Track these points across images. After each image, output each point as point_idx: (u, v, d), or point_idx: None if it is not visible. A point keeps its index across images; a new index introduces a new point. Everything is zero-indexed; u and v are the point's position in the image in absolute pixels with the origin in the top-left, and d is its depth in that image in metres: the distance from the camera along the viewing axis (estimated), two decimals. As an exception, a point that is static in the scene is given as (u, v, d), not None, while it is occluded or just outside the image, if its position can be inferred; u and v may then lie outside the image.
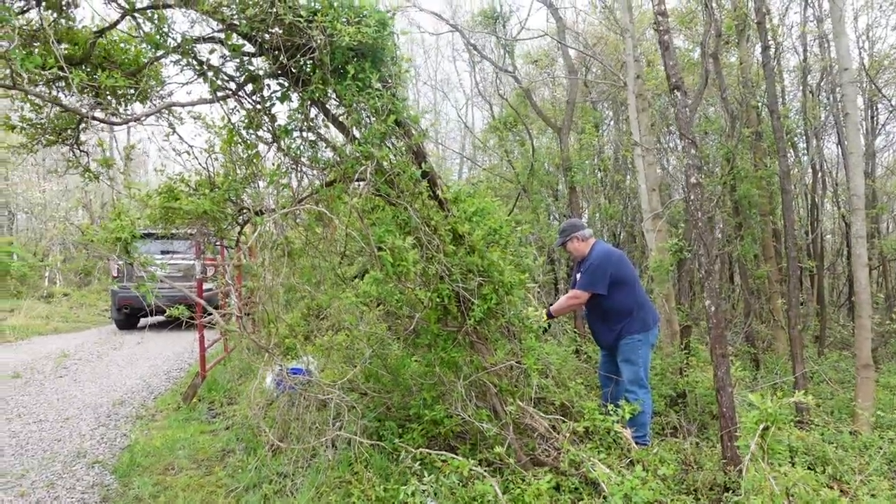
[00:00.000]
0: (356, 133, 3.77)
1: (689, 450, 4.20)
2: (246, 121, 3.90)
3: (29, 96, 3.40)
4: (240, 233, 4.61)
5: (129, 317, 11.29)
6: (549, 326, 4.79)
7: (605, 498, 3.06)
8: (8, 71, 2.77)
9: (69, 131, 3.90)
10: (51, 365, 7.88)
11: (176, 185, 4.12)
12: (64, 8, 3.42)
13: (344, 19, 3.35)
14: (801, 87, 10.29)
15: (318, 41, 3.41)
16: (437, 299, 3.92)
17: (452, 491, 3.49)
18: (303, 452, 4.14)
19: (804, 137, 10.35)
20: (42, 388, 6.71)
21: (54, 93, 3.49)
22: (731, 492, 3.56)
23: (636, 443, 4.15)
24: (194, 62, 3.64)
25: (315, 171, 4.19)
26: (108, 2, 3.41)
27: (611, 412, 3.75)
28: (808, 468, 4.08)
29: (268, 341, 4.70)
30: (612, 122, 13.38)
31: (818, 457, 4.24)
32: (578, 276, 4.66)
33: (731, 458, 3.67)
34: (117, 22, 3.54)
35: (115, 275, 10.93)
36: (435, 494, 3.46)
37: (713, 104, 11.33)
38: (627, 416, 3.80)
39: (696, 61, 10.07)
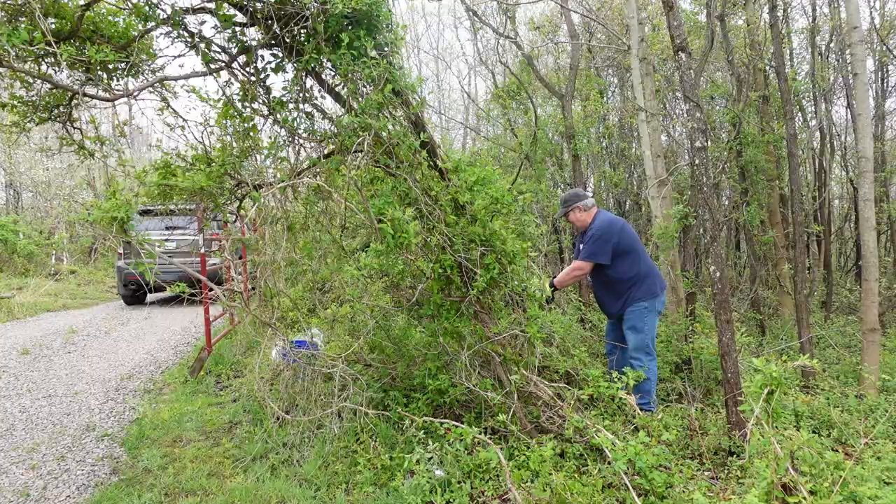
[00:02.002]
0: (353, 103, 3.71)
1: (693, 415, 4.21)
2: (241, 93, 3.84)
3: (18, 73, 3.34)
4: (238, 207, 4.57)
5: (135, 292, 11.36)
6: (553, 298, 4.75)
7: (608, 463, 3.07)
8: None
9: (61, 108, 3.85)
10: (59, 341, 7.94)
11: (172, 160, 4.07)
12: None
13: None
14: (809, 49, 10.06)
15: (312, 9, 3.33)
16: (440, 270, 3.90)
17: (457, 458, 3.52)
18: (309, 424, 4.18)
19: (812, 100, 10.17)
20: (51, 363, 6.77)
21: (44, 69, 3.43)
22: (735, 456, 3.57)
23: (641, 409, 4.14)
24: (185, 34, 3.57)
25: (313, 144, 4.13)
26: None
27: (615, 379, 3.75)
28: (814, 432, 4.09)
29: (271, 315, 4.72)
30: (616, 89, 13.16)
31: (823, 421, 4.24)
32: (581, 246, 4.62)
33: (736, 423, 3.67)
34: None
35: (121, 251, 10.95)
36: (440, 462, 3.49)
37: (720, 68, 11.12)
38: (632, 384, 3.79)
39: (702, 24, 9.84)
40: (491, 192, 4.15)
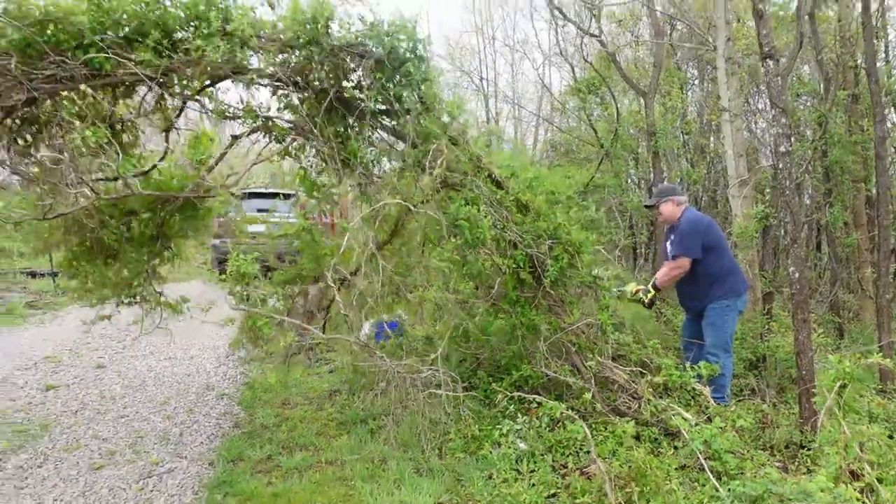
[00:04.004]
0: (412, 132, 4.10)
1: (767, 410, 4.38)
2: (317, 164, 4.35)
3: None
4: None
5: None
6: (654, 301, 4.93)
7: (684, 445, 3.35)
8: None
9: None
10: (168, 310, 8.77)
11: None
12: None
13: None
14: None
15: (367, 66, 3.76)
16: (513, 265, 4.21)
17: (539, 434, 3.87)
18: (400, 395, 4.62)
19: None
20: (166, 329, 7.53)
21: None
22: (806, 450, 3.74)
23: (714, 402, 4.35)
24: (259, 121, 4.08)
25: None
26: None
27: (689, 370, 3.97)
28: (889, 437, 4.19)
29: (363, 298, 5.18)
30: (696, 82, 12.98)
31: (899, 423, 4.31)
32: (669, 244, 4.79)
33: (808, 418, 3.84)
34: (183, 107, 4.03)
35: (217, 229, 11.81)
36: (524, 437, 3.86)
37: (807, 61, 10.82)
38: (706, 376, 4.00)
39: (791, 16, 9.62)
40: (545, 185, 4.44)
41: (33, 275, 12.29)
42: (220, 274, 12.34)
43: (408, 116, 4.02)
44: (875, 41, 6.31)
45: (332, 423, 4.50)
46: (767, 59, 4.19)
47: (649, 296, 4.72)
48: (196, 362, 6.13)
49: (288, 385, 5.31)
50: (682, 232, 4.61)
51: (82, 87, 3.32)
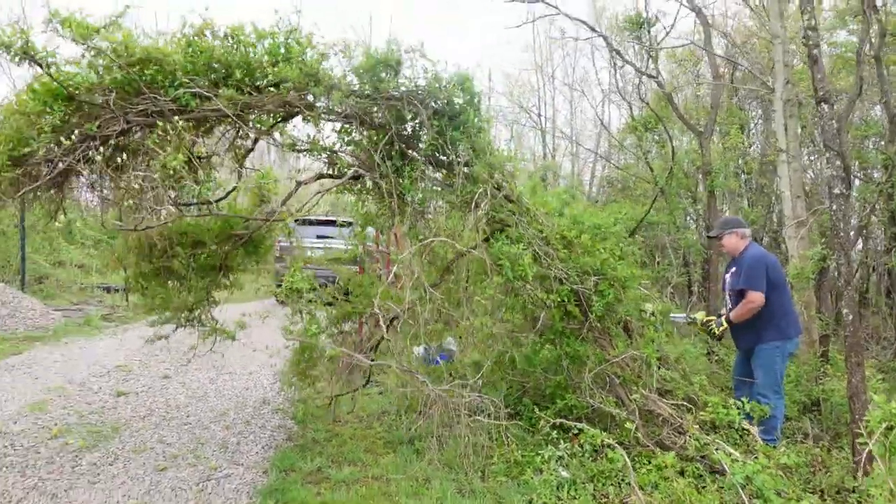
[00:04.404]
0: (464, 170, 4.33)
1: (819, 453, 4.29)
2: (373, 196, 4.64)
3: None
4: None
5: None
6: (724, 336, 4.92)
7: (726, 481, 3.34)
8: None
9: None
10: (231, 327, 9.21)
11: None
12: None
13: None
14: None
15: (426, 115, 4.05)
16: (558, 300, 4.32)
17: (582, 463, 3.93)
18: (446, 419, 4.75)
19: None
20: (226, 346, 7.93)
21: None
22: (856, 494, 3.66)
23: (764, 442, 4.28)
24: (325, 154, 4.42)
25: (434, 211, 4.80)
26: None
27: (737, 408, 3.95)
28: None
29: (415, 323, 5.37)
30: (759, 121, 12.83)
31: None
32: (728, 276, 4.77)
33: (860, 463, 3.75)
34: (253, 146, 4.56)
35: (278, 255, 12.34)
36: (566, 466, 3.92)
37: (876, 104, 10.56)
38: (756, 416, 3.97)
39: (865, 55, 9.44)
40: (592, 220, 4.56)
41: (108, 290, 13.10)
42: (278, 298, 12.90)
43: (459, 161, 4.26)
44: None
45: (379, 441, 4.67)
46: (822, 104, 4.23)
47: (721, 329, 4.69)
48: (254, 378, 6.45)
49: (339, 403, 5.51)
50: (749, 266, 4.56)
51: (170, 121, 3.70)
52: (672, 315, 5.50)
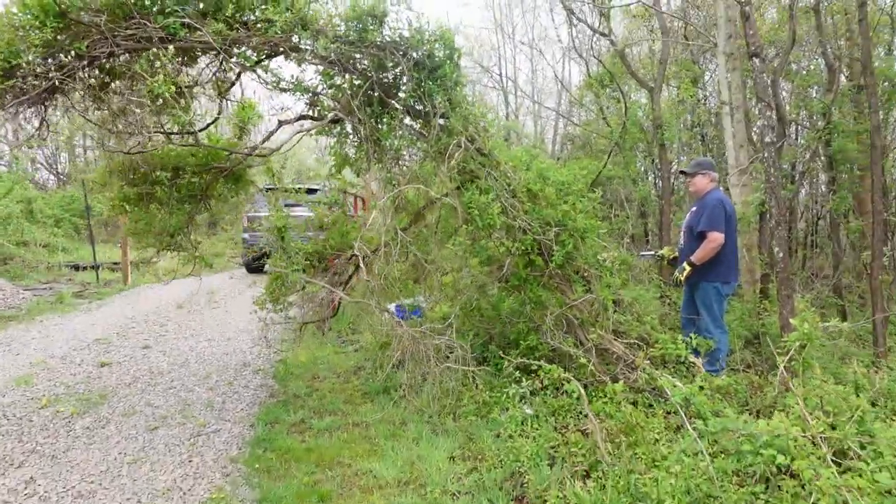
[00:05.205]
0: (439, 122, 4.56)
1: (756, 380, 4.75)
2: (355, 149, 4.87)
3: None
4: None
5: (256, 261, 12.88)
6: (683, 282, 5.26)
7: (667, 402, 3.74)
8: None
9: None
10: (204, 299, 9.40)
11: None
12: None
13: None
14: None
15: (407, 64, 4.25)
16: (522, 248, 4.63)
17: (544, 400, 4.31)
18: (420, 369, 5.08)
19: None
20: (202, 316, 8.15)
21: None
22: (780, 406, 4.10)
23: (709, 373, 4.70)
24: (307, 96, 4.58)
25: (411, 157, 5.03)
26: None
27: (685, 342, 4.35)
28: (872, 404, 4.51)
29: (385, 283, 5.64)
30: (713, 75, 13.16)
31: (883, 392, 4.63)
32: (691, 217, 5.02)
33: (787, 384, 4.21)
34: (237, 79, 4.62)
35: (245, 224, 12.43)
36: (530, 403, 4.29)
37: (819, 55, 10.98)
38: (703, 351, 4.37)
39: (805, 7, 9.77)
40: (557, 176, 4.86)
41: (76, 268, 13.03)
42: (248, 268, 13.02)
43: (435, 112, 4.47)
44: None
45: (357, 393, 4.99)
46: (754, 58, 4.56)
47: (685, 273, 4.97)
48: (233, 344, 6.68)
49: (317, 362, 5.81)
50: (711, 208, 4.81)
51: (159, 48, 3.81)
52: (641, 252, 6.01)
